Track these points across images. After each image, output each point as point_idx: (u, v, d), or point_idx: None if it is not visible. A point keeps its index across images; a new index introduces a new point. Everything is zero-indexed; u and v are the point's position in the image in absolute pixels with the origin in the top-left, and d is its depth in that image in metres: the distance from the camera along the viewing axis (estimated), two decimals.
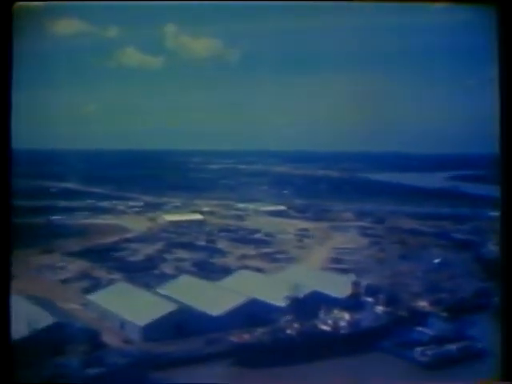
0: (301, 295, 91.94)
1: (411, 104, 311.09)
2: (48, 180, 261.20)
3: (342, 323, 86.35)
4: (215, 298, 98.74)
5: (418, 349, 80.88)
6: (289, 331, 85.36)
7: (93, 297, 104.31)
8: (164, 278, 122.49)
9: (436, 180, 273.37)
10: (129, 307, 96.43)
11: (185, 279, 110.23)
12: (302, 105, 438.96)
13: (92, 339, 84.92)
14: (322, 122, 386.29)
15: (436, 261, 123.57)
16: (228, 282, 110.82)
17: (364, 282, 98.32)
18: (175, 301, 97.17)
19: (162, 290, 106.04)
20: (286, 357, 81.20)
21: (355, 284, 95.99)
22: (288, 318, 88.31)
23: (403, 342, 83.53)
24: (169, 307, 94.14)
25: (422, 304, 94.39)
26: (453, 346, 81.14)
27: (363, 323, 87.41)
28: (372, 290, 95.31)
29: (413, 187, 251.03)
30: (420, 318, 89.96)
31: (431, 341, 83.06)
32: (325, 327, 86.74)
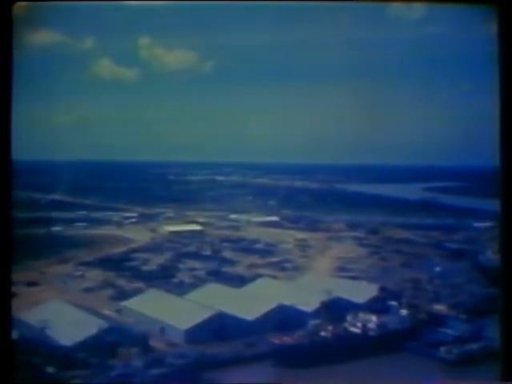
0: (329, 300, 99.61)
1: (391, 115, 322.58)
2: (32, 191, 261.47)
3: (371, 325, 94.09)
4: (245, 304, 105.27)
5: (443, 348, 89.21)
6: (323, 333, 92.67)
7: (127, 303, 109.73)
8: (183, 286, 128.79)
9: (414, 191, 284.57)
10: (165, 313, 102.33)
11: (212, 286, 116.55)
12: (277, 116, 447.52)
13: (142, 342, 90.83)
14: (297, 134, 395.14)
15: (437, 269, 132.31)
16: (251, 288, 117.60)
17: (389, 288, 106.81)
18: (208, 306, 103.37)
19: (191, 297, 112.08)
20: (323, 357, 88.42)
21: (381, 289, 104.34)
22: (319, 321, 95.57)
23: (428, 342, 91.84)
24: (205, 312, 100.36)
25: (440, 308, 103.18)
26: (474, 345, 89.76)
27: (390, 325, 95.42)
28: (395, 295, 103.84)
29: (394, 198, 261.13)
30: (440, 320, 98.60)
31: (454, 340, 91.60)
32: (355, 329, 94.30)
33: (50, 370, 76.27)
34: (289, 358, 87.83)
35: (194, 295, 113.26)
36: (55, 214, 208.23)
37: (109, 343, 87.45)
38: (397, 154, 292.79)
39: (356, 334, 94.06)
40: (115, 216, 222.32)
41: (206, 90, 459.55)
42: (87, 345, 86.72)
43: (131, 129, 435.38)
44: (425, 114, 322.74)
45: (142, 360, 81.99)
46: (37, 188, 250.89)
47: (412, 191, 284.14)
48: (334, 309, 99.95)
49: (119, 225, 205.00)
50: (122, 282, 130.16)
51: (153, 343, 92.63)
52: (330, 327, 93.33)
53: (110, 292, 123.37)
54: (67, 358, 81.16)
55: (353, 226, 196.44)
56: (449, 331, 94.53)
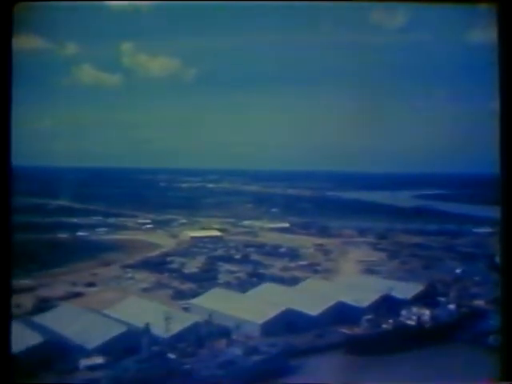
0: (383, 296, 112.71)
1: (386, 122, 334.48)
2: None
3: (425, 318, 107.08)
4: (303, 302, 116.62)
5: (492, 336, 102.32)
6: (384, 325, 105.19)
7: (194, 301, 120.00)
8: (230, 286, 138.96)
9: (410, 199, 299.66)
10: (235, 309, 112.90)
11: (268, 286, 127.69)
12: (263, 122, 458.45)
13: (226, 334, 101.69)
14: (285, 141, 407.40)
15: (458, 270, 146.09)
16: (302, 287, 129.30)
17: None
18: (274, 303, 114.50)
19: (251, 295, 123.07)
20: (387, 346, 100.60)
21: (430, 285, 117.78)
22: (377, 315, 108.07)
23: (477, 332, 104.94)
24: (273, 308, 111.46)
25: (479, 303, 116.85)
26: None
27: (441, 318, 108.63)
28: (438, 292, 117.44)
29: (392, 205, 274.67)
30: (483, 313, 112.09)
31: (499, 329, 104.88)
32: (411, 322, 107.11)
33: (172, 356, 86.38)
34: (358, 347, 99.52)
35: (253, 293, 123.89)
36: (72, 220, 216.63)
37: (200, 335, 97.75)
38: (391, 161, 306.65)
39: (412, 326, 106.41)
40: (129, 222, 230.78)
41: (188, 97, 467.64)
42: (181, 336, 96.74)
43: (115, 135, 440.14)
44: (421, 120, 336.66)
45: (241, 348, 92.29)
46: (34, 194, 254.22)
47: (408, 198, 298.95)
48: (387, 304, 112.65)
49: (138, 230, 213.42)
50: (175, 283, 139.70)
51: (235, 336, 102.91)
52: (391, 320, 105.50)
53: (168, 292, 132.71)
54: (173, 346, 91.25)
55: (362, 232, 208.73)
56: (493, 322, 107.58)
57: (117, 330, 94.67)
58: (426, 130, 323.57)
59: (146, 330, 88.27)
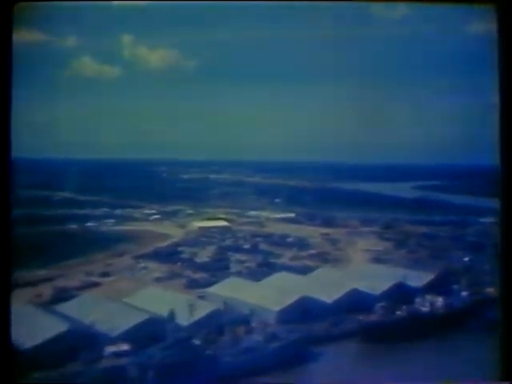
0: (397, 284, 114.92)
1: (389, 114, 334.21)
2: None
3: (438, 305, 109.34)
4: (315, 290, 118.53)
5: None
6: (399, 312, 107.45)
7: (211, 290, 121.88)
8: (242, 275, 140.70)
9: (411, 189, 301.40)
10: (252, 297, 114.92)
11: (281, 275, 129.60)
12: (261, 114, 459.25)
13: (244, 322, 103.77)
14: (282, 132, 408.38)
15: (466, 259, 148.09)
16: (314, 276, 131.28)
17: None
18: (288, 291, 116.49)
19: (266, 284, 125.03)
20: (401, 332, 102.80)
21: (441, 274, 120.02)
22: (391, 302, 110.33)
23: (489, 319, 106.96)
24: (289, 296, 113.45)
25: (491, 290, 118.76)
26: None
27: (454, 305, 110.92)
28: (449, 280, 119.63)
29: (393, 196, 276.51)
30: (494, 300, 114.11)
31: None
32: (425, 309, 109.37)
33: (197, 342, 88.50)
34: (374, 333, 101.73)
35: (268, 282, 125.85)
36: (80, 212, 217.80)
37: (220, 322, 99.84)
38: (392, 153, 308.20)
39: (426, 313, 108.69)
40: (136, 213, 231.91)
41: (188, 89, 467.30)
42: (202, 324, 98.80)
43: (116, 127, 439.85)
44: (422, 112, 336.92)
45: (261, 335, 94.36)
46: (38, 187, 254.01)
47: (409, 189, 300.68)
48: (401, 292, 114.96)
49: (146, 221, 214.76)
50: (187, 273, 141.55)
51: (254, 323, 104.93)
52: (404, 307, 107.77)
53: (182, 281, 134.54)
54: (195, 334, 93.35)
55: (367, 222, 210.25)
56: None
57: (139, 318, 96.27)
58: (427, 122, 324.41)
59: (171, 317, 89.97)
